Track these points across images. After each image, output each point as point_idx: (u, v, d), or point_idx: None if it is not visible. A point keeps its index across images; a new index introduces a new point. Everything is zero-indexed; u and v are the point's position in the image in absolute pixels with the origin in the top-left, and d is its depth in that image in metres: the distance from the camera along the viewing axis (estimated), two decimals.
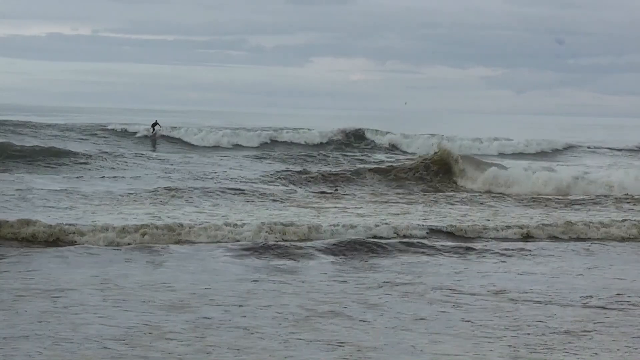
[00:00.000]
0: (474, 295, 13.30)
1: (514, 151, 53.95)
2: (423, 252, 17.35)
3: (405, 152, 50.05)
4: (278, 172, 32.74)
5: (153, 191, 24.73)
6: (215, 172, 32.36)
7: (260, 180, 29.99)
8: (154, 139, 50.51)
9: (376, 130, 55.30)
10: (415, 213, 23.00)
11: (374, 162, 40.07)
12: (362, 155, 44.70)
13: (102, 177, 29.68)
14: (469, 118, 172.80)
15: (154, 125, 51.72)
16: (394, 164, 35.59)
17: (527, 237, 20.21)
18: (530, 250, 18.16)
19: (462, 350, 10.17)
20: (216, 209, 22.35)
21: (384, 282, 14.25)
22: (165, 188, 25.42)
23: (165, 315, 11.42)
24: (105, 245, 17.05)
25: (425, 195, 28.07)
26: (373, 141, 53.41)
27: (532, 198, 27.72)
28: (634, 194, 29.08)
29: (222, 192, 25.31)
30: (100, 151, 38.32)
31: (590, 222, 21.62)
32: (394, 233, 19.40)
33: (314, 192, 27.61)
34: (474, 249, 17.88)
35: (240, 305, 12.13)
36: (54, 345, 9.91)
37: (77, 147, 39.84)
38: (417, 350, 10.15)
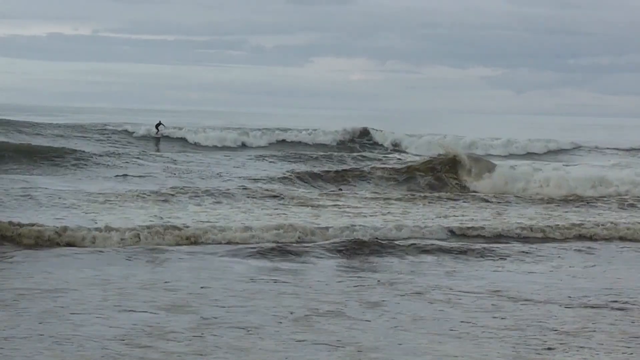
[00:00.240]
0: (475, 295, 13.29)
1: (521, 151, 53.72)
2: (424, 253, 17.34)
3: (408, 152, 49.96)
4: (283, 171, 32.81)
5: (156, 191, 24.68)
6: (221, 172, 32.41)
7: (264, 180, 29.94)
8: (158, 138, 50.58)
9: (381, 130, 55.26)
10: (418, 213, 23.00)
11: (378, 161, 40.11)
12: (367, 155, 44.73)
13: (107, 177, 29.74)
14: (469, 118, 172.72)
15: (157, 125, 51.79)
16: (399, 164, 35.61)
17: (525, 237, 20.19)
18: (530, 251, 18.15)
19: (463, 351, 10.17)
20: (220, 209, 22.35)
21: (385, 282, 14.25)
22: (171, 188, 25.40)
23: (165, 315, 11.42)
24: (109, 247, 17.02)
25: (429, 195, 28.01)
26: (377, 142, 53.38)
27: (538, 198, 27.66)
28: None
29: (227, 191, 25.27)
30: (106, 152, 38.38)
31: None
32: (396, 233, 19.38)
33: (318, 192, 27.61)
34: (475, 249, 17.87)
35: (240, 306, 12.13)
36: (55, 345, 9.91)
37: (81, 147, 39.94)
38: (417, 351, 10.15)
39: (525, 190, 29.82)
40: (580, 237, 20.36)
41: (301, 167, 35.39)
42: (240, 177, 30.64)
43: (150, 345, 10.01)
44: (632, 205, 26.46)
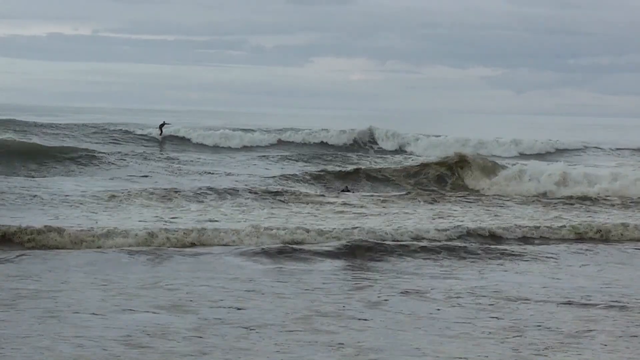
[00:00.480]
0: (474, 295, 13.29)
1: (528, 152, 53.53)
2: (424, 253, 17.33)
3: (413, 153, 49.82)
4: (287, 171, 32.87)
5: (159, 191, 24.66)
6: (224, 172, 32.43)
7: (268, 179, 29.94)
8: (162, 138, 50.59)
9: (386, 130, 55.15)
10: (420, 214, 23.00)
11: (383, 161, 40.11)
12: (370, 156, 44.74)
13: (109, 176, 29.80)
14: (469, 118, 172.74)
15: (162, 126, 51.82)
16: (405, 165, 35.53)
17: (526, 238, 20.19)
18: (530, 251, 18.15)
19: (464, 351, 10.17)
20: (223, 208, 22.36)
21: (385, 282, 14.25)
22: (174, 187, 25.42)
23: (165, 316, 11.42)
24: (110, 247, 16.99)
25: (431, 195, 27.98)
26: (381, 143, 53.25)
27: (537, 199, 27.65)
28: None
29: (229, 191, 25.28)
30: (109, 151, 38.45)
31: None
32: (398, 234, 19.35)
33: (322, 192, 27.64)
34: (475, 250, 17.86)
35: (240, 306, 12.12)
36: (54, 345, 9.91)
37: (85, 146, 39.92)
38: (417, 351, 10.15)
39: (530, 191, 29.74)
40: (581, 237, 20.37)
41: (306, 167, 35.40)
42: (244, 177, 30.66)
43: (150, 346, 10.01)
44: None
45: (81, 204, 21.90)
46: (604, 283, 14.78)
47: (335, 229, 19.26)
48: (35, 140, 41.74)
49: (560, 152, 55.07)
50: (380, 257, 16.73)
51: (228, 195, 24.72)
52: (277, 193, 25.68)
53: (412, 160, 40.71)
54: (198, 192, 24.70)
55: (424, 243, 18.25)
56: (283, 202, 24.20)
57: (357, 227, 19.48)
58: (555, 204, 26.47)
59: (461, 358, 9.94)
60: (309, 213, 22.24)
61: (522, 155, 51.20)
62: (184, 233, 18.00)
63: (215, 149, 48.51)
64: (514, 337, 10.85)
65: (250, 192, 25.38)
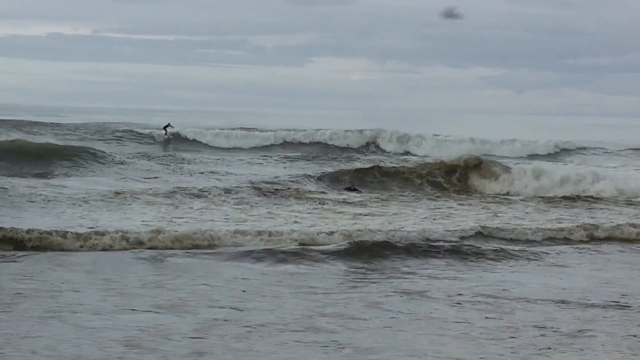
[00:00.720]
0: (474, 295, 13.29)
1: (533, 152, 53.41)
2: (425, 253, 17.32)
3: (417, 154, 49.76)
4: (291, 171, 32.83)
5: (163, 191, 24.66)
6: (228, 172, 32.45)
7: (271, 179, 29.88)
8: (167, 139, 50.67)
9: (391, 132, 55.06)
10: (421, 214, 23.00)
11: (387, 161, 40.06)
12: (375, 157, 44.72)
13: (112, 176, 29.78)
14: (470, 118, 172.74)
15: (166, 127, 51.92)
16: (409, 166, 35.45)
17: (529, 241, 20.18)
18: (530, 251, 18.14)
19: (464, 352, 10.17)
20: (225, 209, 22.36)
21: (385, 282, 14.25)
22: (177, 187, 25.41)
23: (166, 316, 11.42)
24: (112, 248, 16.98)
25: (437, 196, 27.94)
26: (383, 145, 53.17)
27: (541, 200, 27.63)
28: None
29: (235, 191, 25.28)
30: (112, 151, 38.36)
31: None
32: (399, 234, 19.34)
33: (324, 192, 27.64)
34: (475, 250, 17.85)
35: (241, 307, 12.13)
36: (54, 345, 9.91)
37: (87, 145, 39.91)
38: (417, 351, 10.15)
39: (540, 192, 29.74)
40: (581, 237, 20.36)
41: (310, 167, 35.39)
42: (247, 177, 30.65)
43: (150, 346, 10.01)
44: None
45: (85, 202, 21.95)
46: (603, 283, 14.79)
47: (336, 229, 19.26)
48: (41, 140, 41.68)
49: (564, 152, 55.08)
50: (380, 257, 16.73)
51: (231, 194, 24.72)
52: (279, 192, 25.68)
53: (416, 160, 40.58)
54: (201, 191, 24.71)
55: (424, 243, 18.25)
56: (285, 202, 24.19)
57: (358, 227, 19.48)
58: (556, 203, 26.46)
59: (461, 358, 9.94)
60: (310, 213, 22.25)
61: (528, 156, 51.20)
62: (185, 233, 18.01)
63: (219, 149, 48.61)
64: (513, 337, 10.86)
65: (252, 192, 25.39)
